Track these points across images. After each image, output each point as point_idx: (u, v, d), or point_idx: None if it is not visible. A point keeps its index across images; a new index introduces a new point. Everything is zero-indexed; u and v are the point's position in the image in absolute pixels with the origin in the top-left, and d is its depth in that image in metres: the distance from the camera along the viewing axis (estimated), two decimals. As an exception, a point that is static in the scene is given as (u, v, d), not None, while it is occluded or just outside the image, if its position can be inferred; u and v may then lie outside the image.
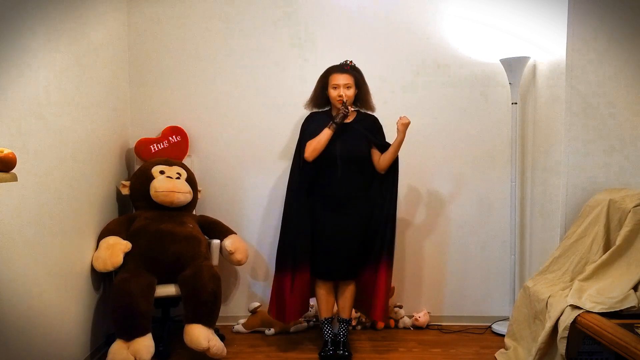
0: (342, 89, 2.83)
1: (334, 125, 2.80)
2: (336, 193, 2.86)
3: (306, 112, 3.04)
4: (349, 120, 2.90)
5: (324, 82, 2.91)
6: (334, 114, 2.90)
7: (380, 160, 2.90)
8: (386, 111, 3.34)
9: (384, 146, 2.92)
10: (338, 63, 2.93)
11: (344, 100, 2.81)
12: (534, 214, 3.31)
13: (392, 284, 3.17)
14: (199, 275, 2.76)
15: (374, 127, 2.96)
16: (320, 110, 3.00)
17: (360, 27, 3.38)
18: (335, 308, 3.03)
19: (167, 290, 2.82)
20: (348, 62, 2.92)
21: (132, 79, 3.39)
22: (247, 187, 3.46)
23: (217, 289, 2.79)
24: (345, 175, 2.85)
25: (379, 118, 3.02)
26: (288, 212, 2.96)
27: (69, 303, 2.57)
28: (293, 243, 2.89)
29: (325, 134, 2.81)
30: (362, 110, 2.98)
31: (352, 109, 2.90)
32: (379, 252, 2.91)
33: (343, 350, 2.89)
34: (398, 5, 3.36)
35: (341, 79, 2.85)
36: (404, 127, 2.82)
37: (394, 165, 2.94)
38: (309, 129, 2.92)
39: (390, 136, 2.92)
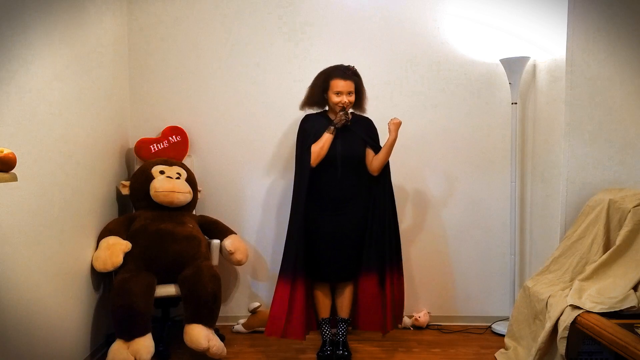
0: (345, 97, 2.82)
1: (333, 129, 2.81)
2: (334, 195, 2.86)
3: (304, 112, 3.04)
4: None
5: (324, 86, 2.89)
6: (333, 118, 2.89)
7: (374, 160, 2.89)
8: (386, 111, 3.35)
9: (378, 148, 2.92)
10: (338, 64, 2.91)
11: (344, 107, 2.83)
12: (534, 214, 3.31)
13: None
14: (199, 275, 2.76)
15: (369, 129, 2.97)
16: (314, 111, 2.99)
17: (359, 26, 3.38)
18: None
19: (167, 290, 2.83)
20: (350, 67, 2.90)
21: (132, 79, 3.39)
22: (247, 187, 3.46)
23: (217, 289, 2.79)
24: (344, 176, 2.85)
25: (378, 118, 3.02)
26: (296, 222, 2.85)
27: (69, 303, 2.57)
28: (298, 253, 2.83)
29: (327, 138, 2.80)
30: (357, 113, 2.99)
31: (350, 113, 2.89)
32: (386, 261, 2.90)
33: (342, 350, 2.89)
34: (397, 4, 3.36)
35: (344, 85, 2.83)
36: (395, 126, 2.84)
37: (386, 170, 2.94)
38: (308, 131, 2.89)
39: (382, 138, 2.92)
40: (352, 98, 2.86)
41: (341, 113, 2.83)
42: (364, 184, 2.92)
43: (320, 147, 2.81)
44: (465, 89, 3.40)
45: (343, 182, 2.85)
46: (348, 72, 2.87)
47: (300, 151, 2.90)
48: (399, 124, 2.85)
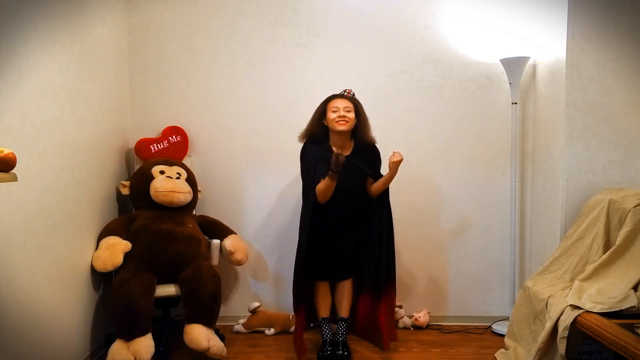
0: (342, 111, 2.80)
1: (334, 174, 2.66)
2: (334, 215, 2.86)
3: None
4: (347, 153, 2.85)
5: (321, 110, 2.88)
6: (331, 144, 2.86)
7: (372, 188, 2.91)
8: (386, 111, 3.36)
9: (379, 176, 2.92)
10: (338, 92, 2.92)
11: (337, 152, 2.61)
12: (534, 214, 3.31)
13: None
14: (198, 275, 2.76)
15: (371, 159, 2.94)
16: (315, 140, 2.91)
17: (360, 27, 3.38)
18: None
19: (167, 290, 2.82)
20: (348, 90, 2.91)
21: (132, 79, 3.39)
22: (247, 187, 3.46)
23: (217, 289, 2.79)
24: (343, 205, 2.86)
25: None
26: (302, 253, 2.85)
27: (69, 303, 2.57)
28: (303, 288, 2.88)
29: (329, 183, 2.71)
30: (362, 140, 2.91)
31: (344, 155, 2.68)
32: (382, 282, 2.92)
33: (342, 350, 2.89)
34: (397, 5, 3.36)
35: (341, 102, 2.83)
36: (395, 165, 2.76)
37: (386, 192, 2.93)
38: (308, 155, 2.87)
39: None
40: (352, 115, 2.82)
41: (337, 156, 2.61)
42: (363, 205, 2.93)
43: (324, 189, 2.74)
44: (465, 89, 3.39)
45: (342, 210, 2.86)
46: (345, 94, 2.88)
47: (307, 179, 2.88)
48: (399, 162, 2.75)
